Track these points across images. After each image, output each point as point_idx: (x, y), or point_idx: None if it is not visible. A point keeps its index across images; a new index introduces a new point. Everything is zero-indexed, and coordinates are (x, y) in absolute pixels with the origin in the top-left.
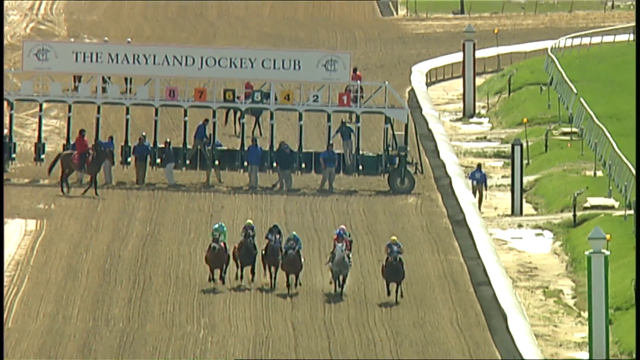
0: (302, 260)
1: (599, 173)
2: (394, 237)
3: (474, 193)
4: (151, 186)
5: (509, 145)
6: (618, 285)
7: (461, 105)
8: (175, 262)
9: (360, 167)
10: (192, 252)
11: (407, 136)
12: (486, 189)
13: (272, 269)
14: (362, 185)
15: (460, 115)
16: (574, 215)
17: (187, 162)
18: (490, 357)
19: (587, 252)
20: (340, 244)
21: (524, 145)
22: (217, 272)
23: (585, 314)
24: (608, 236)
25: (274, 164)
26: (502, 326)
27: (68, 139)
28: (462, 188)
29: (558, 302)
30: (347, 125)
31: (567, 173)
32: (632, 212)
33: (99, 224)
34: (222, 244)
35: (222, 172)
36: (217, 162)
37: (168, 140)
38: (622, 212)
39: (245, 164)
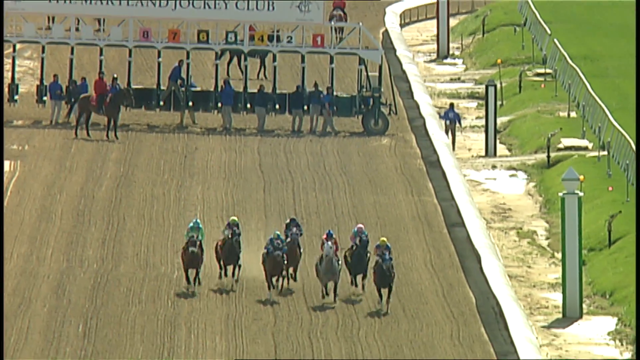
0: (285, 261)
1: (573, 114)
2: (383, 239)
3: (447, 133)
4: (125, 127)
5: (483, 87)
6: (591, 226)
7: (435, 46)
8: (149, 203)
9: (335, 109)
10: (166, 194)
11: (381, 77)
12: (460, 128)
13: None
14: (336, 127)
15: (434, 56)
16: (548, 156)
17: (161, 103)
18: (464, 298)
19: (560, 193)
20: (329, 243)
21: (498, 86)
22: (191, 272)
23: (559, 255)
24: (582, 177)
25: (248, 105)
26: (475, 267)
27: (42, 80)
28: (436, 129)
29: (532, 243)
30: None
31: (541, 114)
32: (605, 152)
33: (72, 165)
34: (199, 247)
35: (196, 113)
36: (191, 104)
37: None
38: (595, 153)
39: (219, 105)
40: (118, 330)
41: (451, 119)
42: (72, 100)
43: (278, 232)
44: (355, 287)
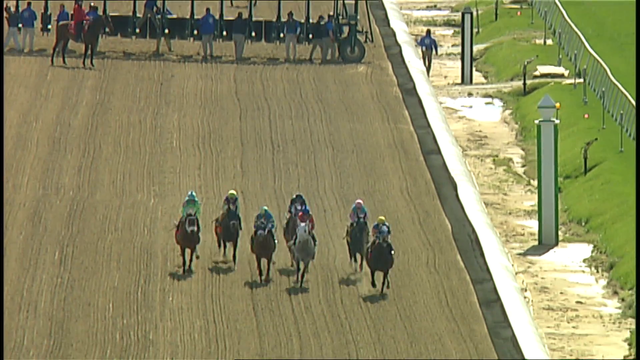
0: (276, 241)
1: (549, 41)
2: (381, 218)
3: (424, 60)
4: (101, 55)
5: (459, 14)
6: (567, 153)
7: None
8: (125, 130)
9: (310, 36)
10: (142, 121)
11: (357, 5)
12: (436, 55)
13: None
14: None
15: None
16: (524, 84)
17: (137, 30)
18: (441, 225)
19: (536, 121)
20: (303, 224)
21: (474, 13)
22: (187, 252)
23: (535, 183)
24: (557, 104)
25: (224, 33)
26: (452, 194)
27: (46, 8)
28: (412, 57)
29: (508, 171)
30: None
31: (517, 41)
32: (581, 80)
33: (48, 93)
34: (197, 224)
35: (172, 40)
36: (167, 31)
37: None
38: (571, 81)
39: (196, 32)
40: (94, 258)
41: (427, 46)
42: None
43: (265, 208)
44: (359, 267)
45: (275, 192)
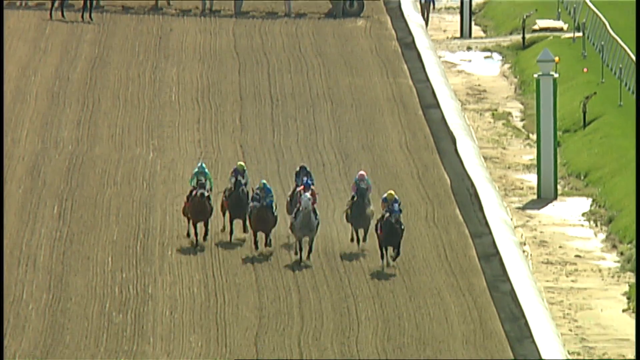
0: (275, 214)
1: None
2: (391, 192)
3: (423, 13)
4: (99, 9)
5: None
6: (566, 107)
7: None
8: (124, 84)
9: None
10: (140, 75)
11: None
12: (434, 9)
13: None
14: (311, 8)
15: None
16: (523, 38)
17: None
18: (440, 179)
19: (535, 75)
20: (306, 194)
21: None
22: (200, 226)
23: (534, 137)
24: (557, 58)
25: None
26: (450, 149)
27: None
28: (411, 10)
29: (507, 125)
30: None
31: None
32: (580, 34)
33: (47, 46)
34: (208, 191)
35: None
36: None
37: None
38: (570, 34)
39: None
40: (93, 212)
41: None
42: None
43: (264, 182)
44: (357, 243)
45: (274, 146)
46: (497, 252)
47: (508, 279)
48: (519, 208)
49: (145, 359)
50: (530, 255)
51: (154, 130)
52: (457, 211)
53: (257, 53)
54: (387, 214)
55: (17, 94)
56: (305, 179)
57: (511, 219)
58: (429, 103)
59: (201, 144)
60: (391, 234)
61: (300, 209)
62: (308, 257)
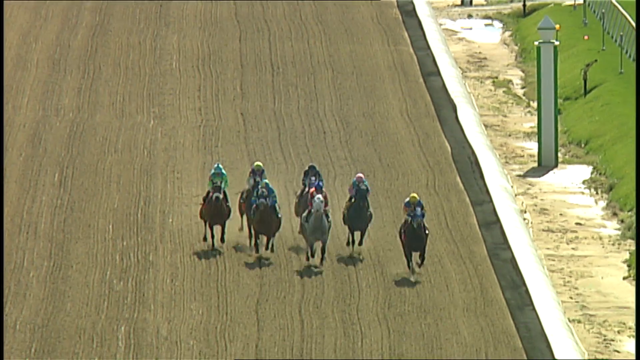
0: (279, 215)
1: None
2: (414, 195)
3: None
4: None
5: None
6: (567, 75)
7: None
8: (125, 52)
9: None
10: (141, 43)
11: None
12: None
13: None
14: None
15: None
16: (524, 5)
17: None
18: (440, 147)
19: (536, 42)
20: (319, 196)
21: None
22: (216, 229)
23: (535, 104)
24: (557, 26)
25: None
26: (451, 116)
27: None
28: None
29: (507, 92)
30: None
31: None
32: (581, 1)
33: (48, 14)
34: (223, 196)
35: None
36: None
37: None
38: (571, 2)
39: None
40: (94, 179)
41: None
42: None
43: (266, 181)
44: (352, 246)
45: (274, 113)
46: (498, 220)
47: (509, 247)
48: (519, 176)
49: (146, 326)
50: (531, 222)
51: (154, 97)
52: (458, 179)
53: (258, 20)
54: (410, 219)
55: (17, 61)
56: (314, 179)
57: (512, 187)
58: (430, 71)
59: (202, 112)
60: (414, 239)
61: (312, 211)
62: (321, 262)
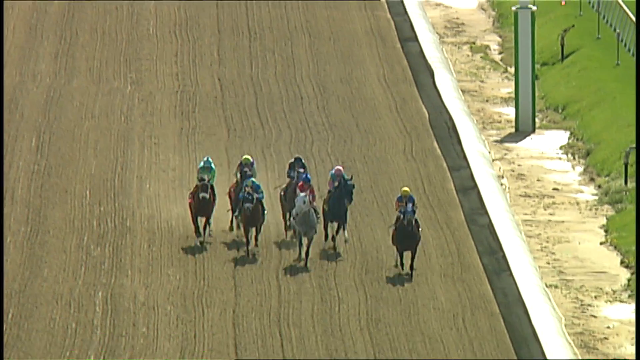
0: (265, 211)
1: None
2: (406, 189)
3: None
4: None
5: None
6: (544, 40)
7: None
8: (102, 17)
9: None
10: (118, 8)
11: None
12: None
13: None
14: None
15: None
16: None
17: None
18: (418, 112)
19: (513, 8)
20: (303, 194)
21: None
22: (201, 220)
23: (512, 70)
24: None
25: None
26: (428, 82)
27: None
28: None
29: (485, 58)
30: None
31: None
32: None
33: None
34: (210, 192)
35: None
36: None
37: None
38: None
39: None
40: (71, 145)
41: None
42: None
43: (253, 179)
44: (332, 240)
45: (252, 79)
46: (475, 185)
47: (486, 212)
48: (496, 141)
49: (123, 292)
50: (508, 188)
51: (131, 63)
52: (435, 144)
53: None
54: (401, 216)
55: None
56: (302, 172)
57: (489, 152)
58: (407, 36)
59: (179, 77)
60: (405, 238)
61: (296, 209)
62: (307, 255)
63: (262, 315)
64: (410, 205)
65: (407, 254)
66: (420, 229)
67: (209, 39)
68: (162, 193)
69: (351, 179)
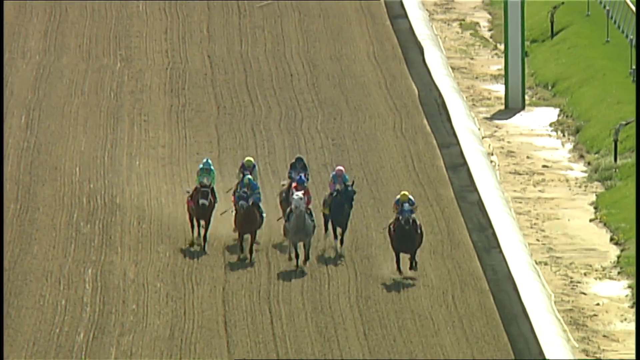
0: (263, 213)
1: None
2: (404, 193)
3: None
4: None
5: None
6: (534, 17)
7: None
8: None
9: None
10: None
11: None
12: None
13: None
14: None
15: None
16: None
17: None
18: (407, 90)
19: None
20: (298, 193)
21: None
22: (199, 222)
23: (502, 47)
24: None
25: None
26: (418, 59)
27: None
28: None
29: (474, 35)
30: None
31: None
32: None
33: None
34: (210, 196)
35: None
36: None
37: None
38: None
39: None
40: (61, 122)
41: None
42: None
43: (249, 177)
44: (334, 239)
45: (241, 56)
46: (465, 163)
47: (475, 189)
48: (486, 118)
49: (112, 269)
50: (498, 165)
51: (121, 40)
52: (425, 121)
53: None
54: (399, 216)
55: None
56: (300, 174)
57: (479, 129)
58: (397, 13)
59: (169, 54)
60: (403, 239)
61: (292, 210)
62: (305, 262)
63: (251, 292)
64: (406, 204)
65: (405, 256)
66: (421, 232)
67: (199, 16)
68: (152, 170)
69: (352, 184)
